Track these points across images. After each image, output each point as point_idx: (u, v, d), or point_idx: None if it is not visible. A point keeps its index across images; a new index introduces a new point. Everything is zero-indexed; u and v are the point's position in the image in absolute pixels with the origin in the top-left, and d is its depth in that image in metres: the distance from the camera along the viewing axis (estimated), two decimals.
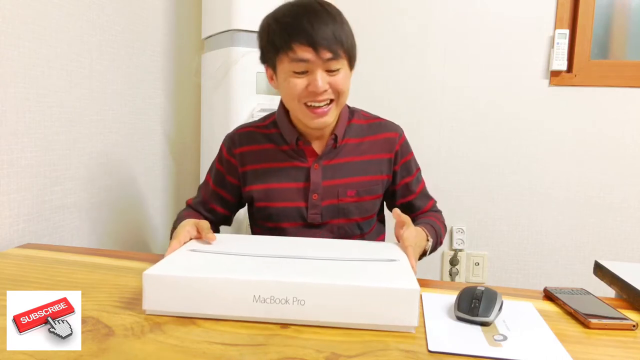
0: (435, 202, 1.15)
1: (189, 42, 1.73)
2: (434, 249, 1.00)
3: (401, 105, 1.86)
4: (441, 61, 1.86)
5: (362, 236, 1.06)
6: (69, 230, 1.18)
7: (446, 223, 1.14)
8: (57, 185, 1.13)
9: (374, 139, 1.04)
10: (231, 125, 1.49)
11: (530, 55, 1.80)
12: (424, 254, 0.96)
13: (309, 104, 0.92)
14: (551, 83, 1.79)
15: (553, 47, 1.76)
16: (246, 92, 1.49)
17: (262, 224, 1.06)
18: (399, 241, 0.86)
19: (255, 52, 1.00)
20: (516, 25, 1.80)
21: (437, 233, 1.03)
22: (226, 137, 1.08)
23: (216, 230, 1.10)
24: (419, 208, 1.10)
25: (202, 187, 1.11)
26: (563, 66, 1.75)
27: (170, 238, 0.95)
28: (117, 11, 1.32)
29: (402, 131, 1.08)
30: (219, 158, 1.08)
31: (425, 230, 0.96)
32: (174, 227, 0.97)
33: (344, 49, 0.90)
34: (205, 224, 0.84)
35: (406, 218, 0.87)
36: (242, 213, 1.50)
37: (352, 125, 1.04)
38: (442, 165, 1.86)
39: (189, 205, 1.11)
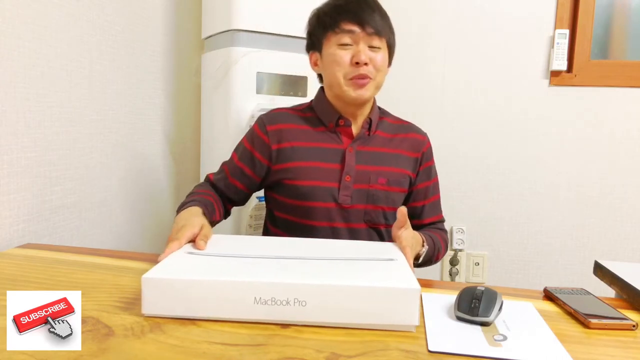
0: (444, 220, 1.15)
1: (189, 42, 1.73)
2: (428, 260, 1.00)
3: (401, 105, 1.84)
4: (441, 61, 1.86)
5: (387, 227, 1.06)
6: (69, 230, 1.18)
7: (446, 223, 1.14)
8: (57, 185, 1.13)
9: (404, 136, 1.10)
10: (231, 125, 1.49)
11: (530, 55, 1.80)
12: (416, 260, 0.95)
13: (351, 76, 0.98)
14: (551, 83, 1.79)
15: (553, 47, 1.76)
16: (246, 92, 1.49)
17: (288, 204, 1.05)
18: (395, 241, 0.86)
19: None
20: (516, 25, 1.80)
21: (435, 246, 1.03)
22: (259, 117, 1.10)
23: (227, 212, 1.11)
24: (426, 216, 1.11)
25: (226, 163, 1.12)
26: (563, 66, 1.75)
27: (177, 212, 0.94)
28: (117, 11, 1.32)
29: (428, 137, 1.13)
30: (249, 136, 1.09)
31: (423, 237, 0.97)
32: (184, 203, 0.97)
33: (386, 34, 1.00)
34: (207, 231, 0.82)
35: (406, 219, 0.86)
36: (242, 213, 1.50)
37: (384, 122, 1.10)
38: (442, 165, 1.83)
39: (210, 181, 1.11)
